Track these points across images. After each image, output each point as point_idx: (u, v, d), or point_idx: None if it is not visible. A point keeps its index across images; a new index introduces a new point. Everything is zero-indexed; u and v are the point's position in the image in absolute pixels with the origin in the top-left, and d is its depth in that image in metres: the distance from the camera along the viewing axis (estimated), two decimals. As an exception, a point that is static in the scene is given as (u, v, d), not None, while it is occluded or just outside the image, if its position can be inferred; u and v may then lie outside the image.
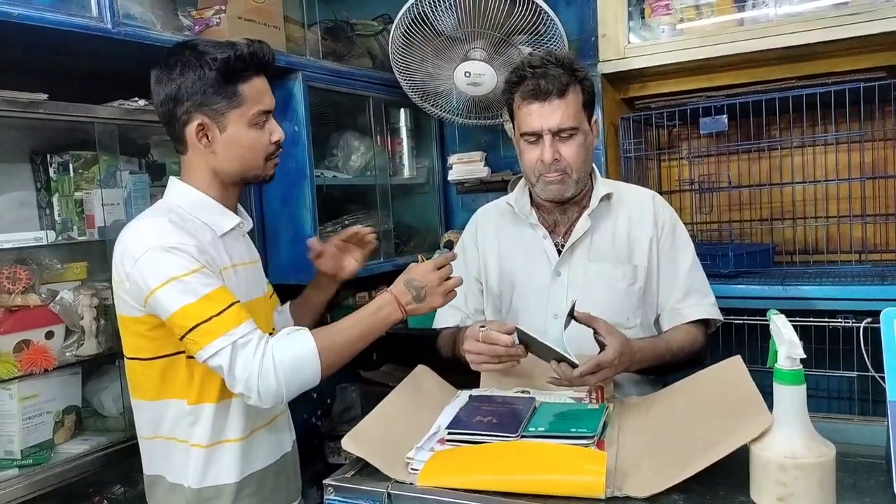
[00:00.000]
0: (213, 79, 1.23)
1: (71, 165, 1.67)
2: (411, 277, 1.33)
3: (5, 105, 1.45)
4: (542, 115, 1.41)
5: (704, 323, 1.51)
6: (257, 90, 1.28)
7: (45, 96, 1.50)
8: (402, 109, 2.51)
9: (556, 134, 1.41)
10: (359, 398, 2.38)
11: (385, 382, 2.26)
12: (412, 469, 1.07)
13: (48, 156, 1.68)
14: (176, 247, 1.18)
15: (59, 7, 1.45)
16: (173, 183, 1.33)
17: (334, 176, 2.27)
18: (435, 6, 2.00)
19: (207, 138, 1.26)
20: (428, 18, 2.05)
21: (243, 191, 2.00)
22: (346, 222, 2.33)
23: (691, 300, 1.49)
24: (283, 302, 1.67)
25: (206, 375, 1.24)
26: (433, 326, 1.66)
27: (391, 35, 2.14)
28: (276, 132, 1.33)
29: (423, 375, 1.42)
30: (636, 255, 1.50)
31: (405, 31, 2.09)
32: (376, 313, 1.30)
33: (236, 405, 1.28)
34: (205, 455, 1.26)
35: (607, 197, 1.52)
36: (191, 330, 1.15)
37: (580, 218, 1.51)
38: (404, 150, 2.55)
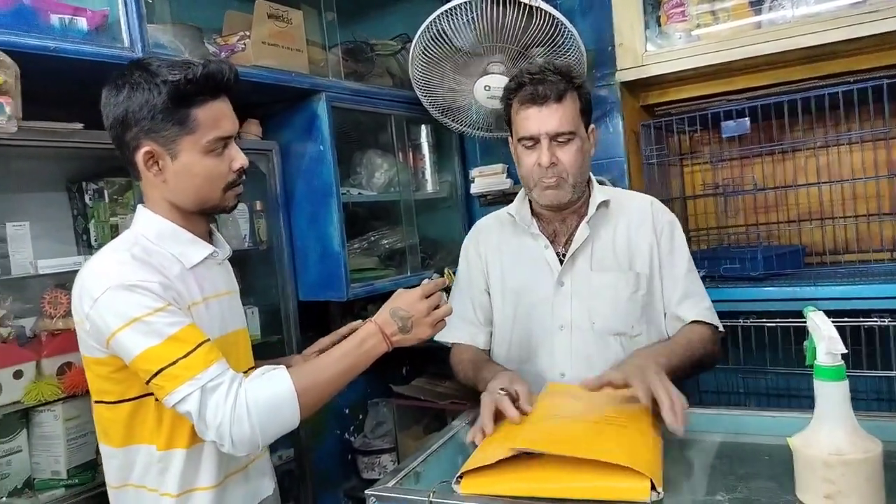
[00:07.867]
0: (162, 103, 1.12)
1: (106, 192, 1.72)
2: (397, 307, 1.23)
3: (43, 135, 1.50)
4: (539, 119, 1.41)
5: (710, 328, 1.48)
6: (214, 115, 1.17)
7: (80, 126, 1.55)
8: (423, 125, 2.54)
9: (554, 138, 1.42)
10: (391, 413, 2.39)
11: (416, 396, 2.27)
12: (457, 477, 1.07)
13: (84, 183, 1.74)
14: (137, 284, 1.08)
15: (92, 39, 1.50)
16: (140, 211, 1.23)
17: (359, 193, 2.31)
18: (453, 23, 2.04)
19: (158, 166, 1.17)
20: (446, 35, 2.08)
21: (272, 212, 2.06)
22: (373, 238, 2.37)
23: (688, 303, 1.48)
24: (311, 324, 1.56)
25: (175, 419, 1.15)
26: (437, 339, 1.52)
27: (411, 53, 2.17)
28: (237, 159, 1.21)
29: None
30: (638, 263, 1.49)
31: (424, 48, 2.12)
32: (360, 347, 1.21)
33: (209, 450, 1.19)
34: None
35: (605, 204, 1.51)
36: (156, 374, 1.07)
37: (579, 226, 1.50)
38: (426, 165, 2.58)
